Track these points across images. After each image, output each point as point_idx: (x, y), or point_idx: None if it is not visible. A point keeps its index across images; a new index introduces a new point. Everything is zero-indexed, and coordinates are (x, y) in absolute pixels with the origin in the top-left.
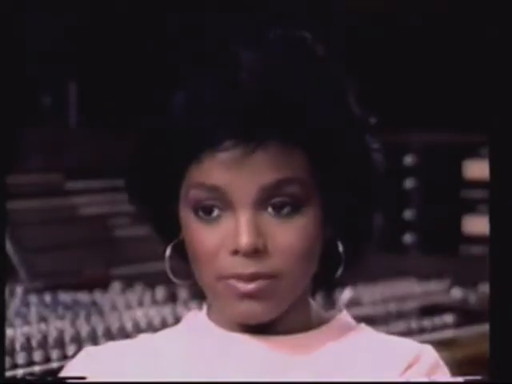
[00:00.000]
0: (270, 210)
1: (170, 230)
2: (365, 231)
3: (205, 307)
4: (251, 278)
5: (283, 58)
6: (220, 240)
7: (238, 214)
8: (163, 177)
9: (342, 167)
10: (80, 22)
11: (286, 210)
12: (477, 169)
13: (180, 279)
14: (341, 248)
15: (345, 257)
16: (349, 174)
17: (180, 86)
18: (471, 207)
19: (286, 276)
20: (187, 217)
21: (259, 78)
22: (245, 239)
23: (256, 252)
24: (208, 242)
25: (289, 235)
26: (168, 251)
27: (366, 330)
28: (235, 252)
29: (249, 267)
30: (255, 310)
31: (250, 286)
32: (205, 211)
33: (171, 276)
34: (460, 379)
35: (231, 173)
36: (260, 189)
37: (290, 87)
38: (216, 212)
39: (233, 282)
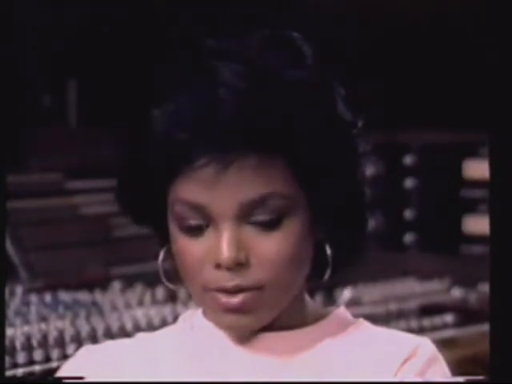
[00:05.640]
0: (252, 222)
1: (162, 235)
2: (353, 235)
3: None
4: (234, 290)
5: (267, 68)
6: (204, 253)
7: (220, 228)
8: (149, 191)
9: (328, 177)
10: (80, 23)
11: (268, 223)
12: (477, 169)
13: (174, 283)
14: (328, 251)
15: (334, 259)
16: (334, 181)
17: (159, 102)
18: (471, 207)
19: (271, 287)
20: (173, 229)
21: (239, 92)
22: (226, 253)
23: (238, 265)
24: (193, 255)
25: (271, 247)
26: (161, 256)
27: (363, 324)
28: (218, 266)
29: (231, 280)
30: (241, 323)
31: (234, 300)
32: (189, 229)
33: (164, 280)
34: (460, 379)
35: (211, 189)
36: (241, 204)
37: (272, 101)
38: (200, 227)
39: (218, 295)
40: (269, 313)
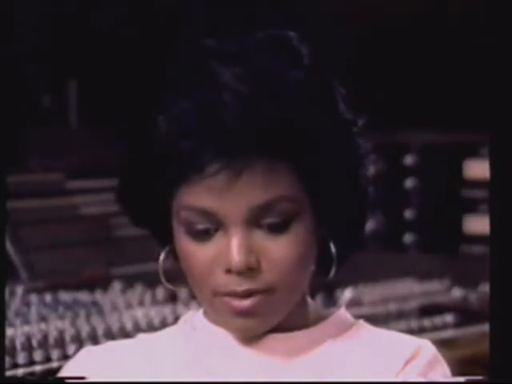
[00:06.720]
0: (261, 226)
1: (163, 236)
2: (357, 233)
3: (202, 307)
4: (245, 294)
5: (267, 70)
6: (213, 258)
7: (230, 232)
8: (151, 195)
9: (332, 177)
10: (80, 23)
11: (276, 226)
12: (477, 169)
13: (175, 283)
14: (333, 248)
15: (337, 256)
16: (338, 183)
17: (160, 104)
18: (471, 207)
19: (281, 290)
20: (179, 232)
21: (242, 96)
22: (237, 258)
23: (249, 269)
24: (201, 260)
25: (281, 250)
26: (161, 256)
27: (364, 326)
28: (228, 270)
29: (243, 284)
30: (251, 326)
31: (245, 303)
32: (197, 234)
33: (164, 281)
34: (460, 379)
35: (220, 195)
36: (250, 209)
37: (275, 103)
38: (208, 231)
39: (228, 298)
40: (278, 315)
